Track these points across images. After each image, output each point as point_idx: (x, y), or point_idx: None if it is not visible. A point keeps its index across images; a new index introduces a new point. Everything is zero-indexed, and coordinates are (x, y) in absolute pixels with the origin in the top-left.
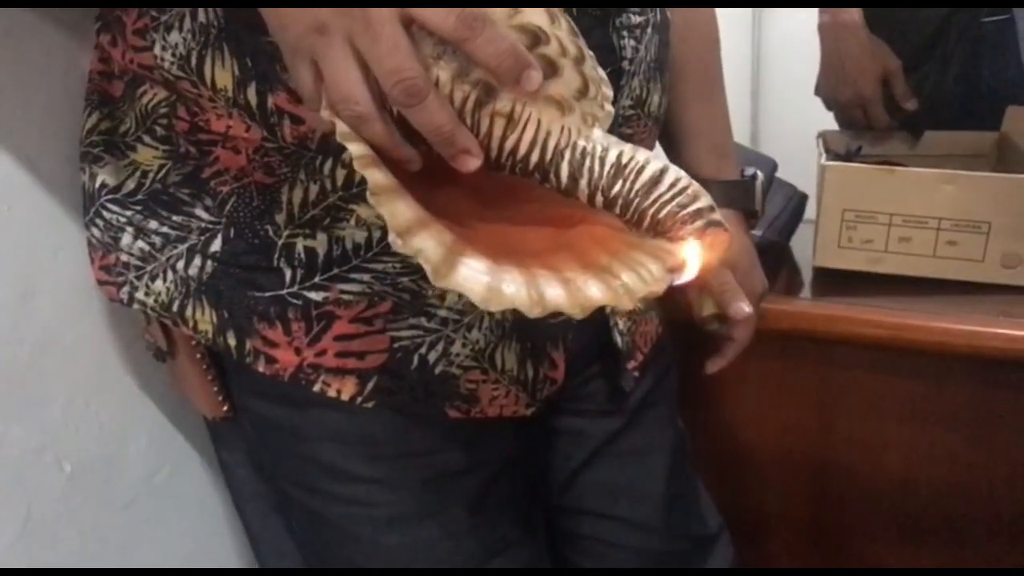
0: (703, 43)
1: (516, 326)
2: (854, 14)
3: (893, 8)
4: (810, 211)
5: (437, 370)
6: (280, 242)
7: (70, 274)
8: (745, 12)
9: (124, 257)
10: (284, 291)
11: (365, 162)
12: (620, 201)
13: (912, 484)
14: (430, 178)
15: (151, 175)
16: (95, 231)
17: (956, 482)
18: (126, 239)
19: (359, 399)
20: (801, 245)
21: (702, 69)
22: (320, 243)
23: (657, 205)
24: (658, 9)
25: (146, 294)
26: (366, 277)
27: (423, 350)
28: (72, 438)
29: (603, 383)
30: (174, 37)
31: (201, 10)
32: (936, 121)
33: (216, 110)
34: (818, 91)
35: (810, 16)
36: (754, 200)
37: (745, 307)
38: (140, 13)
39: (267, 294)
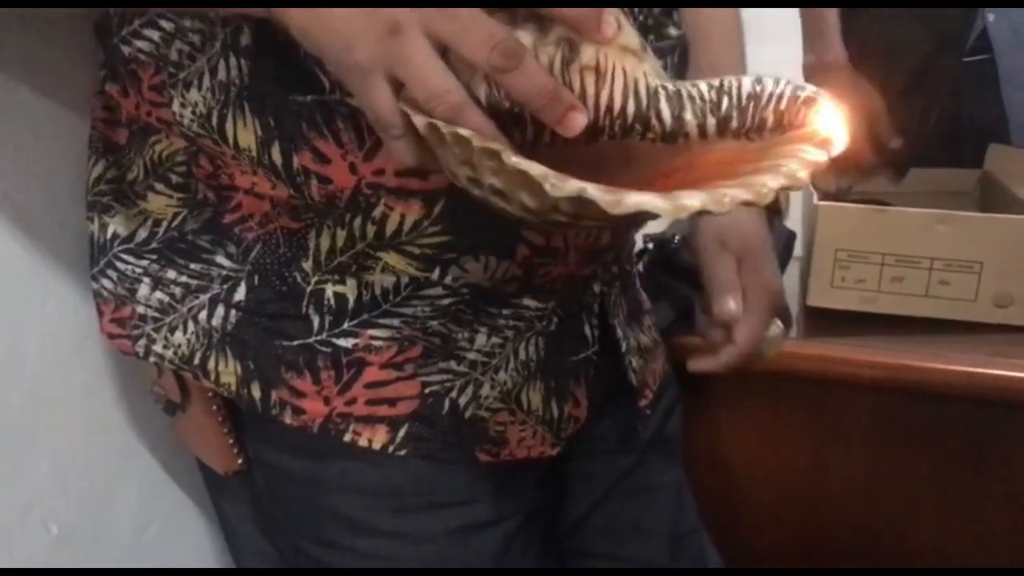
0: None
1: (541, 365)
2: (839, 54)
3: (877, 49)
4: (797, 248)
5: (467, 414)
6: (309, 289)
7: (58, 325)
8: None
9: (141, 309)
10: (312, 339)
11: (480, 139)
12: (735, 115)
13: (908, 525)
14: None
15: (164, 223)
16: (106, 283)
17: (952, 522)
18: (143, 290)
19: (391, 447)
20: (789, 283)
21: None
22: (350, 288)
23: (774, 101)
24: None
25: (164, 347)
26: (396, 322)
27: (454, 394)
28: (60, 497)
29: (615, 422)
30: (193, 95)
31: (222, 67)
32: (920, 159)
33: (240, 167)
34: None
35: (796, 50)
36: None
37: (731, 305)
38: (157, 68)
39: (295, 343)
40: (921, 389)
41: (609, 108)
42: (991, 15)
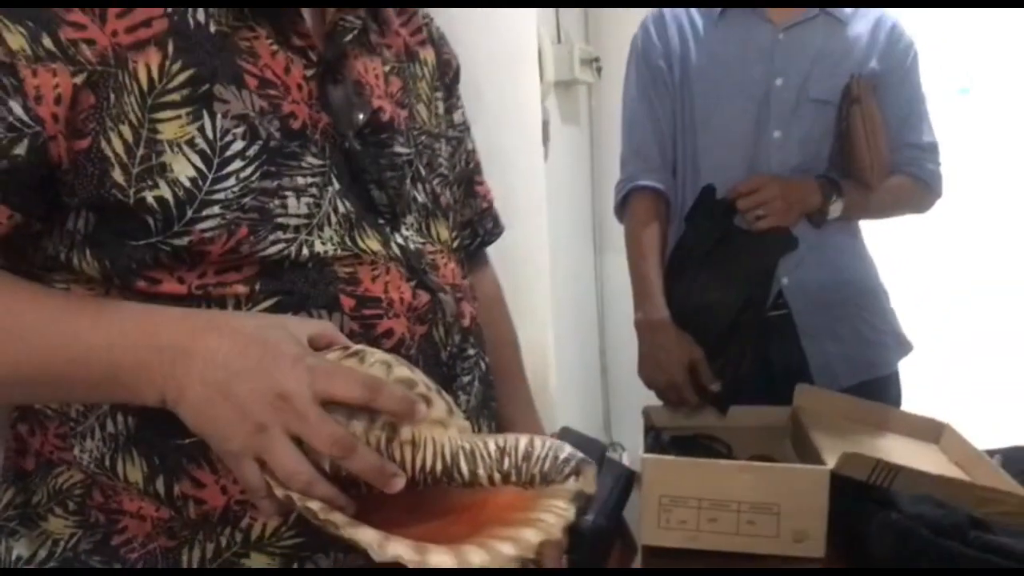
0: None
1: None
2: (663, 313)
3: (694, 308)
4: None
5: None
6: None
7: None
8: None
9: None
10: None
11: (327, 510)
12: (512, 472)
13: None
14: (372, 509)
15: (61, 543)
16: None
17: None
18: None
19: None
20: (634, 517)
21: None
22: None
23: (541, 462)
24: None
25: None
26: None
27: None
28: None
29: None
30: (89, 444)
31: (110, 420)
32: (739, 398)
33: (129, 495)
34: (640, 375)
35: None
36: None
37: None
38: (61, 421)
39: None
40: None
41: (423, 469)
42: (785, 279)
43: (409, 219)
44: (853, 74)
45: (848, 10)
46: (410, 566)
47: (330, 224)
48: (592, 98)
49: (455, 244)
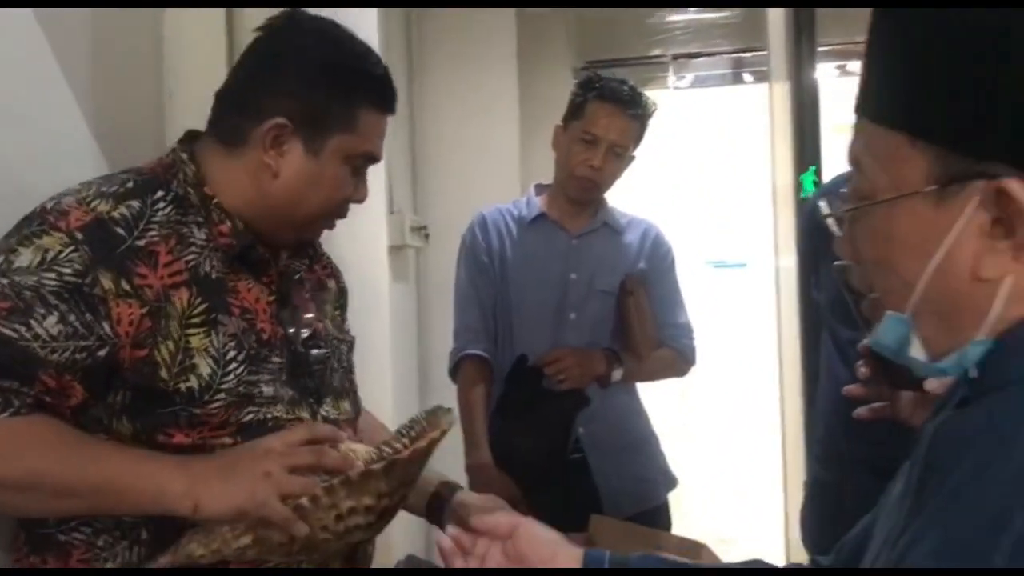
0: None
1: None
2: (487, 458)
3: (510, 453)
4: None
5: None
6: None
7: None
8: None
9: None
10: None
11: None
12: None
13: None
14: None
15: None
16: None
17: None
18: None
19: None
20: None
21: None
22: None
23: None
24: None
25: None
26: None
27: None
28: None
29: None
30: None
31: (128, 551)
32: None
33: None
34: None
35: None
36: None
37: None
38: (86, 549)
39: None
40: None
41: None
42: (581, 429)
43: (328, 399)
44: (627, 272)
45: (623, 222)
46: None
47: (283, 402)
48: (419, 260)
49: (353, 415)
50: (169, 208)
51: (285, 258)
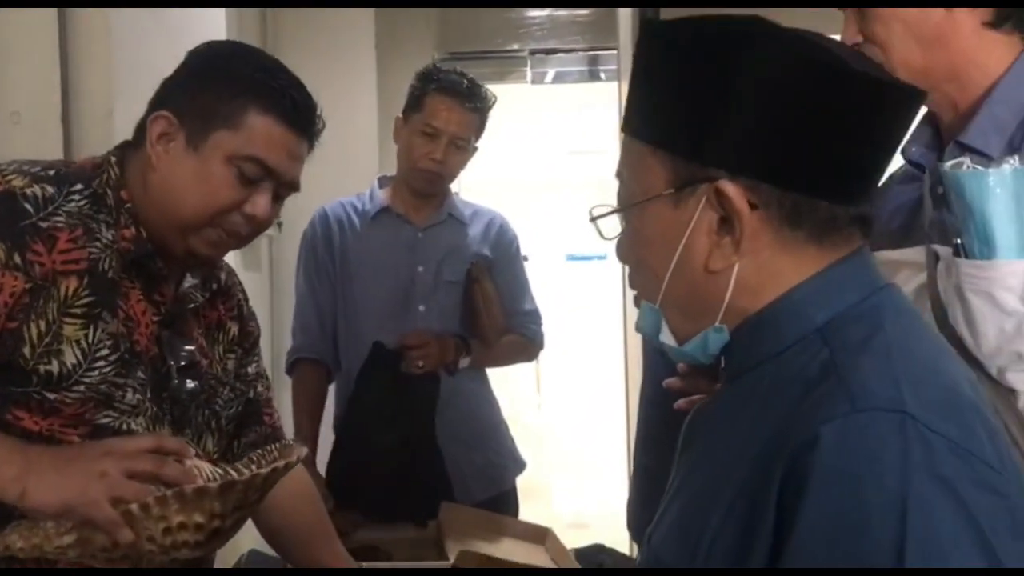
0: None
1: None
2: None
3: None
4: None
5: None
6: None
7: None
8: None
9: None
10: None
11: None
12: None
13: None
14: None
15: None
16: None
17: None
18: None
19: None
20: None
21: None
22: None
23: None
24: None
25: None
26: None
27: None
28: None
29: None
30: None
31: None
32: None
33: None
34: None
35: None
36: None
37: None
38: None
39: None
40: None
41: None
42: (436, 419)
43: (187, 430)
44: (472, 260)
45: (468, 212)
46: None
47: (145, 415)
48: (273, 249)
49: (216, 455)
50: (84, 202)
51: (187, 285)
